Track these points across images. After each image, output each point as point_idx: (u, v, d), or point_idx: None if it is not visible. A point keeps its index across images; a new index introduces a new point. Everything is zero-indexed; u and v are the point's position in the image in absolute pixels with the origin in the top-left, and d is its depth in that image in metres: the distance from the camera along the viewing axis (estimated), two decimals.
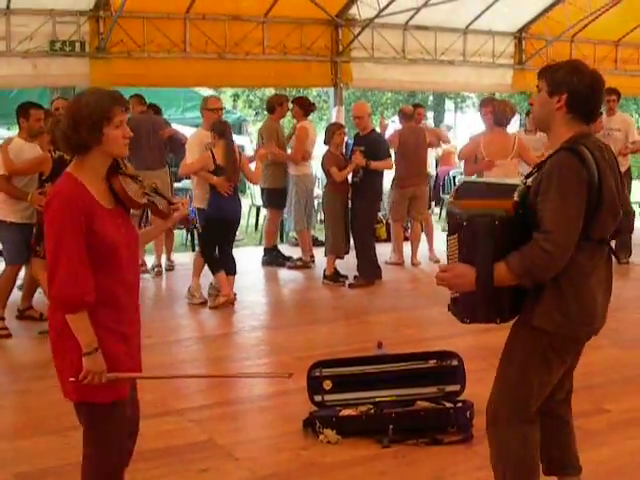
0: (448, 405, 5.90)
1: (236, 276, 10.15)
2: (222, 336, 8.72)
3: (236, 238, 16.79)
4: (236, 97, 34.55)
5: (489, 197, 4.17)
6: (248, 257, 12.86)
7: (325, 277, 11.27)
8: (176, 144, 11.68)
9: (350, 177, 11.08)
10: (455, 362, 6.14)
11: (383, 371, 6.26)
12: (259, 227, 16.00)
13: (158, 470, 5.32)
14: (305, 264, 12.54)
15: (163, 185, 11.26)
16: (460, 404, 5.90)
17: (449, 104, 40.22)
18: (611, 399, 6.54)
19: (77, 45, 12.55)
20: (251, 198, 18.37)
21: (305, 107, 12.53)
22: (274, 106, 12.37)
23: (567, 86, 4.00)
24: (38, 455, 5.57)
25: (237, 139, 23.02)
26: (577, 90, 3.99)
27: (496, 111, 10.06)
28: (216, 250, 10.02)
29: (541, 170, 3.98)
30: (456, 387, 6.11)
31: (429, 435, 5.70)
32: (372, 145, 10.97)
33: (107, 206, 3.90)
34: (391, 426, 5.74)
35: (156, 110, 12.32)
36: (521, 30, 16.33)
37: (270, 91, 27.05)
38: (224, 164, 9.66)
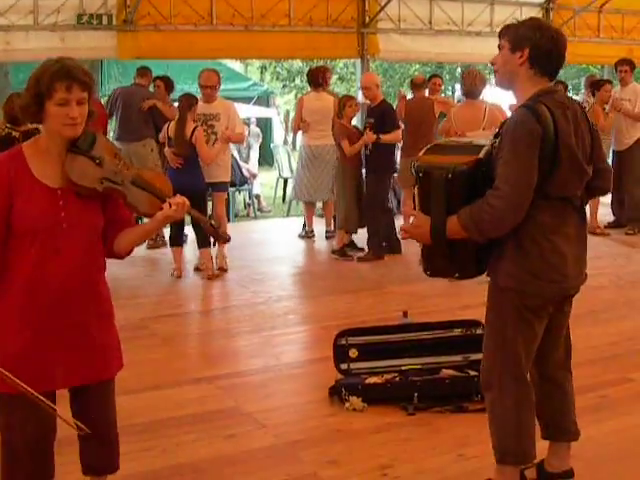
0: (473, 373, 5.92)
1: (257, 248, 10.21)
2: (249, 305, 8.78)
3: (263, 210, 16.99)
4: (264, 69, 34.45)
5: (455, 154, 4.23)
6: (275, 228, 12.92)
7: (333, 251, 11.26)
8: (156, 116, 11.65)
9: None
10: (480, 331, 6.14)
11: (409, 339, 6.30)
12: (286, 199, 16.03)
13: (186, 436, 5.39)
14: (307, 234, 12.70)
15: (142, 157, 11.58)
16: None
17: None
18: (637, 368, 6.55)
19: (104, 18, 12.56)
20: (278, 170, 18.45)
21: (311, 80, 12.58)
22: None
23: (529, 41, 4.02)
24: None
25: (264, 112, 23.12)
26: (539, 45, 4.00)
27: (465, 82, 9.86)
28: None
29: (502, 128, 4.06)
30: (481, 355, 6.13)
31: (454, 403, 5.75)
32: (381, 116, 10.79)
33: (50, 184, 3.65)
34: (416, 394, 5.79)
35: (166, 82, 12.20)
36: (548, 1, 16.22)
37: (297, 63, 27.07)
38: (173, 136, 9.75)
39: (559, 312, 4.27)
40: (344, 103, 11.17)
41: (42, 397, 3.48)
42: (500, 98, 11.54)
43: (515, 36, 4.08)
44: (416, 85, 12.83)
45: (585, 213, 4.29)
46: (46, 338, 3.67)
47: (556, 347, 4.39)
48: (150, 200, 3.85)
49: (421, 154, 4.38)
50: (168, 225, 9.72)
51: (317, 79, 12.36)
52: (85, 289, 3.76)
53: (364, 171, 11.17)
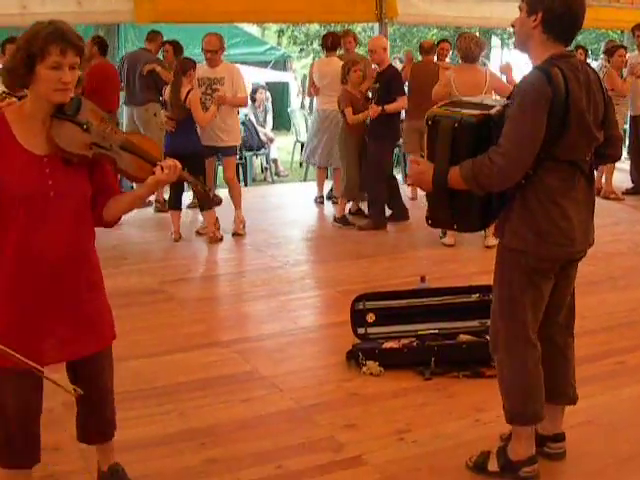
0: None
1: (274, 212, 10.20)
2: (266, 270, 8.77)
3: (281, 174, 16.97)
4: (281, 33, 34.28)
5: (466, 109, 4.27)
6: (292, 193, 12.90)
7: (335, 219, 11.06)
8: (159, 81, 11.58)
9: None
10: None
11: (426, 304, 6.30)
12: (303, 163, 15.99)
13: (203, 400, 5.42)
14: (316, 199, 12.65)
15: (146, 121, 11.72)
16: None
17: (495, 40, 39.75)
18: None
19: None
20: (295, 134, 18.40)
21: (322, 44, 12.54)
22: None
23: (542, 5, 3.99)
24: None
25: (281, 76, 22.99)
26: (552, 8, 3.97)
27: (461, 47, 9.53)
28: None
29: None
30: None
31: (470, 368, 5.76)
32: (386, 81, 10.51)
33: (36, 152, 3.53)
34: (433, 359, 5.81)
35: (175, 47, 12.08)
36: None
37: (315, 27, 26.92)
38: (168, 100, 9.74)
39: (564, 276, 4.29)
40: (348, 68, 10.82)
41: (32, 363, 3.41)
42: (519, 61, 11.30)
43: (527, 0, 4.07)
44: (424, 49, 12.71)
45: (594, 179, 4.29)
46: (36, 309, 3.60)
47: (558, 311, 4.41)
48: (140, 164, 3.76)
49: (434, 107, 4.42)
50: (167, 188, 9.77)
51: (327, 43, 12.30)
52: (75, 258, 3.68)
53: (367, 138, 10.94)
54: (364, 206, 11.23)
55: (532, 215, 4.06)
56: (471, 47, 9.33)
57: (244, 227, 10.31)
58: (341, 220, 10.94)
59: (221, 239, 10.00)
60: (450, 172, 4.05)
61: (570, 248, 4.14)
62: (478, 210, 4.25)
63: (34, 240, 3.53)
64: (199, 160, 9.70)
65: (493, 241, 8.97)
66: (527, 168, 3.95)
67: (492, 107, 4.20)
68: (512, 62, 11.04)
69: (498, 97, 9.06)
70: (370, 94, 10.85)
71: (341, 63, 11.43)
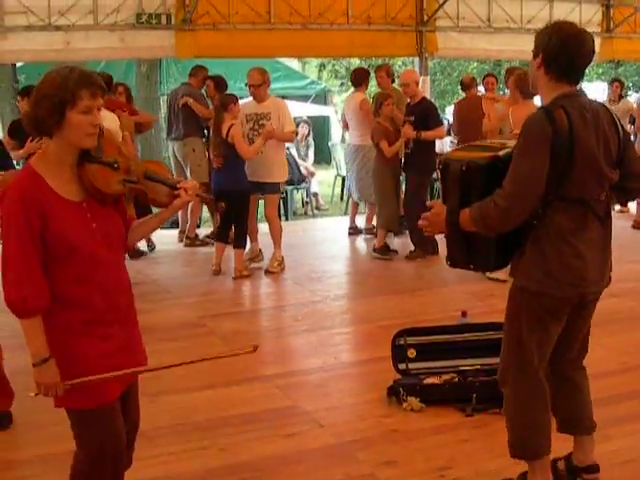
0: None
1: (315, 246, 10.20)
2: (306, 304, 8.78)
3: (321, 208, 17.00)
4: (322, 67, 34.47)
5: (478, 152, 4.34)
6: (333, 227, 12.90)
7: (374, 250, 11.01)
8: (193, 115, 11.69)
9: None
10: None
11: (467, 340, 6.27)
12: (344, 197, 16.02)
13: (244, 435, 5.42)
14: (349, 231, 12.67)
15: (184, 156, 11.77)
16: None
17: None
18: None
19: (163, 17, 12.64)
20: (336, 168, 18.44)
21: (350, 79, 12.78)
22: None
23: (542, 46, 4.07)
24: None
25: (322, 110, 23.08)
26: (549, 49, 4.04)
27: (520, 82, 9.23)
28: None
29: None
30: None
31: None
32: (422, 114, 10.53)
33: (74, 199, 3.52)
34: (474, 395, 5.76)
35: (217, 82, 11.96)
36: None
37: (355, 61, 27.03)
38: (211, 137, 9.88)
39: (577, 316, 4.29)
40: (381, 102, 10.85)
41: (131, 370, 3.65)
42: None
43: (535, 42, 4.15)
44: (465, 85, 12.73)
45: (610, 219, 4.26)
46: (105, 346, 3.62)
47: (570, 347, 4.42)
48: (164, 190, 3.79)
49: (450, 151, 4.50)
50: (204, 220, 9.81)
51: (352, 79, 12.52)
52: (126, 291, 3.76)
53: (403, 171, 11.01)
54: (389, 240, 11.28)
55: (543, 255, 4.07)
56: (528, 83, 9.20)
57: (279, 265, 10.23)
58: (380, 250, 10.92)
59: (248, 276, 9.97)
60: (461, 214, 4.10)
61: (581, 288, 4.14)
62: (494, 250, 4.27)
63: (92, 285, 3.54)
64: (245, 198, 9.75)
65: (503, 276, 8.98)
66: (531, 208, 3.97)
67: (503, 148, 4.24)
68: None
69: None
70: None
71: (360, 98, 11.53)
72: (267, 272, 10.13)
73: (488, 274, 9.39)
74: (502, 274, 9.34)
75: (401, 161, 10.91)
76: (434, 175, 11.66)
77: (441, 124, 10.91)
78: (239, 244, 9.95)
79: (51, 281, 3.45)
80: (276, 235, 10.27)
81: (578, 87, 4.20)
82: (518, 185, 3.93)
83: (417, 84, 10.88)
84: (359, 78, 12.35)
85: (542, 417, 4.31)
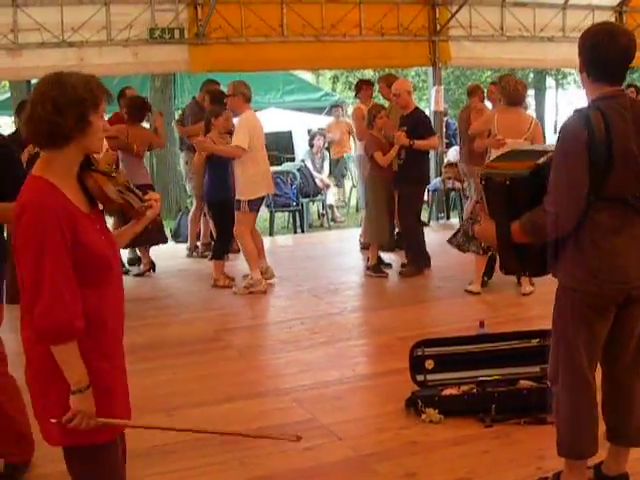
0: None
1: (331, 258, 10.13)
2: (323, 316, 8.78)
3: (337, 220, 17.00)
4: (335, 79, 34.54)
5: (518, 160, 4.40)
6: (349, 238, 12.88)
7: (367, 268, 10.76)
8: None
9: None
10: None
11: (485, 350, 6.23)
12: (360, 209, 16.02)
13: (262, 449, 5.38)
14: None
15: (185, 167, 12.16)
16: None
17: (549, 81, 39.67)
18: None
19: (176, 32, 12.70)
20: (352, 179, 18.44)
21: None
22: None
23: (579, 50, 4.15)
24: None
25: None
26: (584, 52, 4.12)
27: (509, 90, 9.13)
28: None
29: None
30: None
31: (532, 415, 5.67)
32: (414, 124, 10.37)
33: (84, 210, 3.35)
34: (494, 405, 5.72)
35: (211, 95, 11.50)
36: (621, 4, 15.91)
37: (369, 72, 27.04)
38: None
39: (626, 314, 4.25)
40: (374, 114, 10.67)
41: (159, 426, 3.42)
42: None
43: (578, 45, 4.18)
44: (468, 93, 12.73)
45: None
46: (120, 370, 3.53)
47: (624, 349, 4.35)
48: (138, 201, 3.66)
49: (489, 161, 4.49)
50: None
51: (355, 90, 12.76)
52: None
53: (395, 184, 10.64)
54: (385, 255, 11.16)
55: (584, 253, 4.09)
56: (518, 89, 9.13)
57: (248, 288, 9.88)
58: (373, 268, 10.67)
59: (225, 286, 10.03)
60: (512, 227, 4.15)
61: (625, 285, 4.13)
62: (543, 253, 4.26)
63: (111, 300, 3.44)
64: (222, 209, 9.98)
65: (530, 288, 9.06)
66: (581, 210, 3.99)
67: (542, 155, 4.26)
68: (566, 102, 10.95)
69: None
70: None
71: (354, 108, 11.57)
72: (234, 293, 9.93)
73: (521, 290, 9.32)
74: (475, 287, 9.36)
75: (395, 174, 10.58)
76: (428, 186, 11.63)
77: (434, 134, 10.73)
78: (214, 256, 10.18)
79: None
80: (246, 255, 9.94)
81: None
82: (563, 190, 3.95)
83: (409, 94, 10.67)
84: (357, 88, 12.67)
85: (588, 419, 4.29)
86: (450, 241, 9.62)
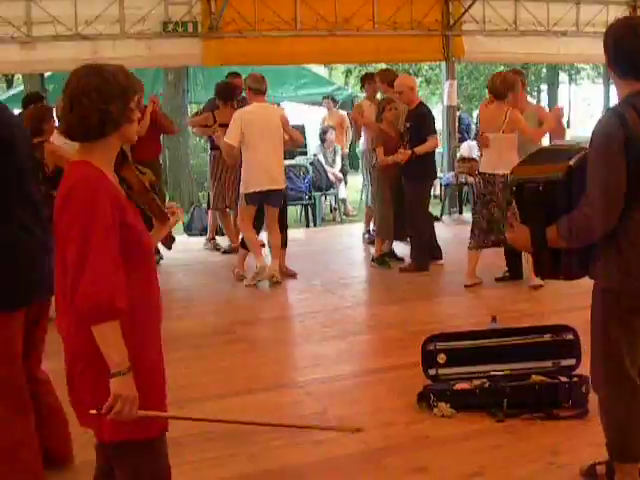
0: (563, 379, 5.84)
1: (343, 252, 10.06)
2: (336, 310, 8.79)
3: (349, 214, 16.99)
4: (348, 73, 34.47)
5: (548, 163, 4.30)
6: (361, 232, 12.87)
7: (372, 259, 10.89)
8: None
9: None
10: (571, 336, 6.07)
11: (497, 345, 6.21)
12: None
13: (275, 442, 5.39)
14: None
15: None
16: (576, 379, 5.83)
17: (563, 76, 39.51)
18: None
19: (189, 25, 12.71)
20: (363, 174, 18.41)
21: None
22: None
23: (605, 47, 4.06)
24: None
25: (349, 116, 23.06)
26: (609, 49, 4.04)
27: (492, 85, 9.27)
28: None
29: None
30: (572, 361, 6.03)
31: (544, 410, 5.65)
32: (417, 121, 10.31)
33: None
34: (505, 400, 5.70)
35: (217, 90, 11.60)
36: None
37: (381, 66, 27.02)
38: None
39: None
40: (383, 107, 10.68)
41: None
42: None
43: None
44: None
45: None
46: (162, 357, 3.51)
47: None
48: (160, 205, 3.64)
49: (517, 164, 4.44)
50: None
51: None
52: None
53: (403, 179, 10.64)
54: (398, 247, 11.22)
55: (620, 253, 4.02)
56: (496, 84, 9.16)
57: (255, 277, 9.96)
58: (378, 260, 10.77)
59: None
60: (548, 233, 4.09)
61: None
62: (578, 257, 4.22)
63: (154, 285, 3.46)
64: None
65: (538, 281, 8.94)
66: (619, 211, 3.91)
67: (571, 155, 4.17)
68: (570, 102, 10.88)
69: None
70: (402, 133, 10.58)
71: (356, 104, 11.50)
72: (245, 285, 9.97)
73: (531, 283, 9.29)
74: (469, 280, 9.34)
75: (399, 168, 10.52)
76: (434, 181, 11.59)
77: (434, 133, 10.62)
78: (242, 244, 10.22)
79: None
80: (249, 246, 10.07)
81: None
82: (601, 190, 3.89)
83: (412, 90, 10.54)
84: (362, 82, 12.70)
85: (633, 426, 4.23)
86: (470, 247, 9.51)
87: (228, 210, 11.70)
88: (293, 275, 10.17)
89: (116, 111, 3.21)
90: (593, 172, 3.92)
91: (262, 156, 9.59)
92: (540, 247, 4.16)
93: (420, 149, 10.13)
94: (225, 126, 10.02)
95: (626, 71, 4.01)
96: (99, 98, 3.18)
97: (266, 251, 10.25)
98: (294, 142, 10.03)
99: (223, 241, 12.31)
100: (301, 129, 22.07)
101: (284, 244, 10.15)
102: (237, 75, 12.16)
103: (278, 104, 10.58)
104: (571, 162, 4.11)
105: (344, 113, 18.89)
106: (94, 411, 3.16)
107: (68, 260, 3.12)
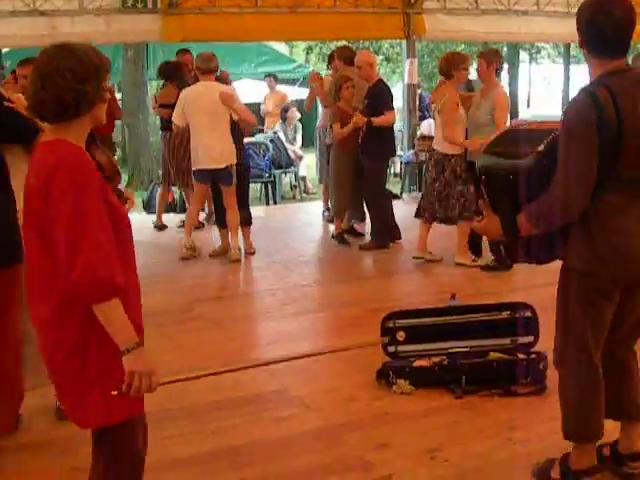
0: (521, 357, 5.90)
1: (303, 230, 10.10)
2: (295, 288, 8.80)
3: (310, 192, 16.98)
4: (309, 50, 34.41)
5: (519, 146, 4.24)
6: (320, 210, 12.86)
7: (332, 236, 10.98)
8: None
9: None
10: (529, 313, 6.12)
11: (456, 322, 6.25)
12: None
13: (234, 419, 5.43)
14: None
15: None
16: (534, 356, 5.90)
17: (524, 55, 39.61)
18: None
19: (149, 1, 12.61)
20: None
21: None
22: None
23: (577, 26, 4.02)
24: None
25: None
26: (582, 28, 4.00)
27: (439, 64, 9.56)
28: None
29: None
30: (529, 338, 6.09)
31: (502, 386, 5.72)
32: (374, 97, 10.32)
33: None
34: (464, 377, 5.77)
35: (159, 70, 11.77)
36: None
37: (343, 44, 26.99)
38: None
39: (630, 296, 4.19)
40: (340, 84, 10.65)
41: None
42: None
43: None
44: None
45: None
46: (142, 333, 3.40)
47: (623, 330, 4.32)
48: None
49: (483, 150, 4.43)
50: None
51: None
52: None
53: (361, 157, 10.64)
54: (358, 225, 11.27)
55: (590, 234, 4.00)
56: (441, 63, 9.41)
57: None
58: (337, 238, 10.84)
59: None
60: (518, 221, 4.07)
61: (629, 266, 4.06)
62: (549, 242, 4.20)
63: (134, 266, 3.44)
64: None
65: (460, 259, 9.28)
66: (588, 194, 3.89)
67: (538, 138, 4.13)
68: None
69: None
70: (361, 111, 10.49)
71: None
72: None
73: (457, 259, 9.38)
74: (467, 259, 9.40)
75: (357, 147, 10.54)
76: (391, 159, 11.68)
77: (391, 109, 10.53)
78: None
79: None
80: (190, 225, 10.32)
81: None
82: (572, 172, 3.86)
83: (371, 66, 10.55)
84: (329, 59, 12.63)
85: (594, 402, 4.25)
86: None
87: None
88: (252, 253, 10.17)
89: (91, 91, 3.18)
90: (563, 152, 3.88)
91: (201, 135, 9.64)
92: (512, 235, 4.14)
93: (377, 120, 10.14)
94: (165, 106, 10.09)
95: (600, 50, 3.96)
96: (74, 78, 3.13)
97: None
98: (244, 122, 9.92)
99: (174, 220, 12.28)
100: (255, 107, 22.01)
101: (247, 222, 10.11)
102: (186, 51, 12.07)
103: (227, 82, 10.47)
104: (540, 148, 4.07)
105: (284, 93, 18.71)
106: (115, 392, 3.14)
107: (60, 237, 3.03)
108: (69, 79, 3.13)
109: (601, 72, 3.96)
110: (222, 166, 9.65)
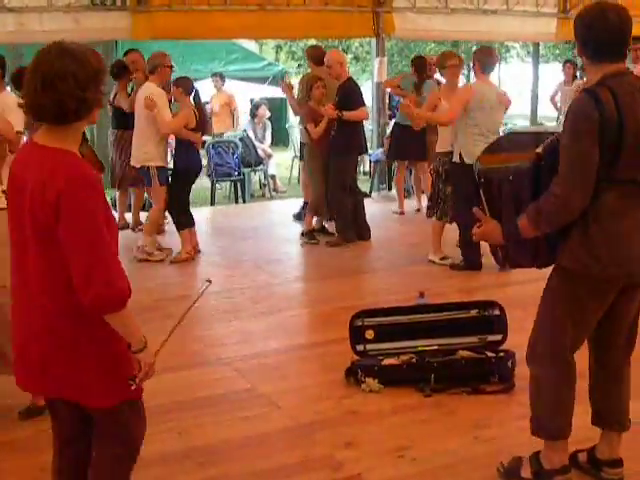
0: (490, 355, 5.92)
1: (273, 228, 10.06)
2: (265, 286, 8.78)
3: (279, 190, 16.95)
4: (279, 49, 34.41)
5: (515, 151, 4.24)
6: (290, 209, 12.84)
7: (301, 234, 10.96)
8: None
9: None
10: (497, 312, 6.14)
11: (425, 321, 6.27)
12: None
13: (201, 418, 5.40)
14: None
15: None
16: (502, 354, 5.91)
17: None
18: None
19: None
20: (294, 150, 18.38)
21: None
22: None
23: (575, 33, 4.06)
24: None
25: (279, 91, 23.05)
26: (580, 33, 4.04)
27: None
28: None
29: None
30: (498, 337, 6.11)
31: (471, 384, 5.73)
32: (344, 94, 10.37)
33: None
34: (433, 375, 5.77)
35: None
36: None
37: (313, 42, 26.98)
38: (199, 120, 9.78)
39: (625, 299, 4.18)
40: (310, 85, 10.66)
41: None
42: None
43: None
44: None
45: None
46: None
47: (617, 334, 4.31)
48: None
49: (481, 153, 4.42)
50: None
51: None
52: None
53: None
54: (328, 224, 11.23)
55: (588, 235, 3.98)
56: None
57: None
58: (307, 235, 10.83)
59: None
60: (519, 224, 4.03)
61: (625, 269, 4.04)
62: (547, 244, 4.17)
63: None
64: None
65: (431, 256, 9.36)
66: (589, 193, 3.88)
67: (536, 140, 4.14)
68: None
69: None
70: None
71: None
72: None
73: (430, 257, 9.42)
74: (437, 257, 9.43)
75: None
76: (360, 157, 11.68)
77: (363, 105, 10.62)
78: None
79: None
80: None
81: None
82: (574, 173, 3.86)
83: (341, 65, 10.62)
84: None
85: (565, 399, 4.26)
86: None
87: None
88: (185, 259, 9.89)
89: (91, 97, 3.19)
90: (565, 151, 3.89)
91: (137, 133, 9.78)
92: (513, 239, 4.12)
93: (349, 114, 10.18)
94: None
95: (599, 54, 3.98)
96: (76, 85, 3.13)
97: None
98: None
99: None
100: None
101: (178, 226, 10.01)
102: (134, 51, 11.92)
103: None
104: (538, 150, 4.06)
105: (231, 94, 18.38)
106: (134, 385, 3.49)
107: (77, 253, 3.12)
108: (72, 85, 3.12)
109: (602, 75, 3.97)
110: (138, 166, 9.70)
